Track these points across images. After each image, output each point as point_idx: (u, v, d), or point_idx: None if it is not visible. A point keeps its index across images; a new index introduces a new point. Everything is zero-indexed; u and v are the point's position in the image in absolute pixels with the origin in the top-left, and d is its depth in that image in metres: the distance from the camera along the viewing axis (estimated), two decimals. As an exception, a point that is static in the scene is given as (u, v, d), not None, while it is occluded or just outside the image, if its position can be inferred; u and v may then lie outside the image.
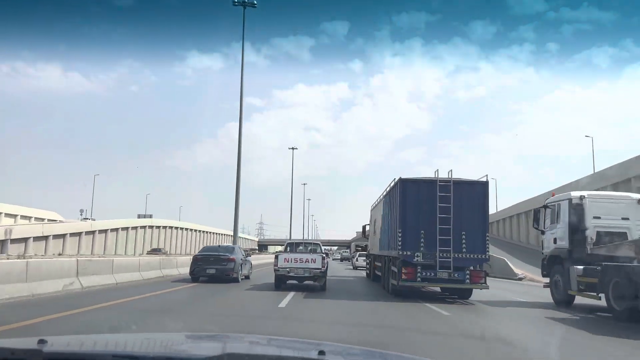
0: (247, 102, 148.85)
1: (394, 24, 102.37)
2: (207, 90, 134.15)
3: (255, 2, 28.16)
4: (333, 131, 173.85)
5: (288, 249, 17.07)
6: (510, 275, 27.53)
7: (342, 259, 72.44)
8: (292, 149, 66.49)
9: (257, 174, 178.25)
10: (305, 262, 14.57)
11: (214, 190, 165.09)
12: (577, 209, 12.25)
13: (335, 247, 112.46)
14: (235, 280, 16.93)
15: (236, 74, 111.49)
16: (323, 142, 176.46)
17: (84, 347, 2.13)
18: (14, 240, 41.25)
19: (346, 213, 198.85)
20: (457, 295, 13.72)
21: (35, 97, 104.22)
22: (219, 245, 23.15)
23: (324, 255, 15.19)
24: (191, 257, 18.30)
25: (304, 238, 75.25)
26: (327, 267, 15.13)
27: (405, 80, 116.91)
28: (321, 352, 1.82)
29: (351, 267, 38.19)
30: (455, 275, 12.59)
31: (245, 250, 21.72)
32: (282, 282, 14.97)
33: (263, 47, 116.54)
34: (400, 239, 12.91)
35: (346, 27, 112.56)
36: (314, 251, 16.39)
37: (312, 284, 15.00)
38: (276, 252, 20.81)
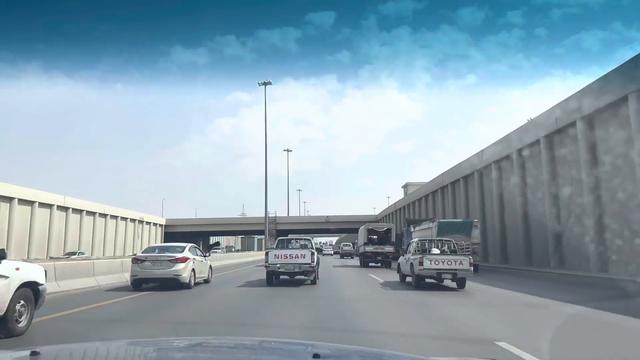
0: (234, 97, 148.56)
1: (381, 12, 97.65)
2: (193, 86, 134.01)
3: None
4: (324, 125, 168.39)
5: (280, 245, 17.39)
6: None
7: (342, 255, 45.92)
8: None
9: (248, 169, 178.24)
10: (295, 257, 15.17)
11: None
12: None
13: (334, 240, 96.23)
14: None
15: (221, 69, 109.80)
16: (314, 136, 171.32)
17: (76, 358, 2.20)
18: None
19: (341, 205, 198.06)
20: None
21: (16, 97, 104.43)
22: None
23: (314, 251, 15.82)
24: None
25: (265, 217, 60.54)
26: (317, 262, 15.83)
27: (394, 71, 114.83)
28: (316, 355, 1.83)
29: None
30: None
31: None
32: (273, 277, 15.62)
33: (248, 40, 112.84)
34: None
35: (332, 17, 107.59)
36: (304, 247, 16.93)
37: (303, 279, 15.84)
38: (266, 249, 21.78)
